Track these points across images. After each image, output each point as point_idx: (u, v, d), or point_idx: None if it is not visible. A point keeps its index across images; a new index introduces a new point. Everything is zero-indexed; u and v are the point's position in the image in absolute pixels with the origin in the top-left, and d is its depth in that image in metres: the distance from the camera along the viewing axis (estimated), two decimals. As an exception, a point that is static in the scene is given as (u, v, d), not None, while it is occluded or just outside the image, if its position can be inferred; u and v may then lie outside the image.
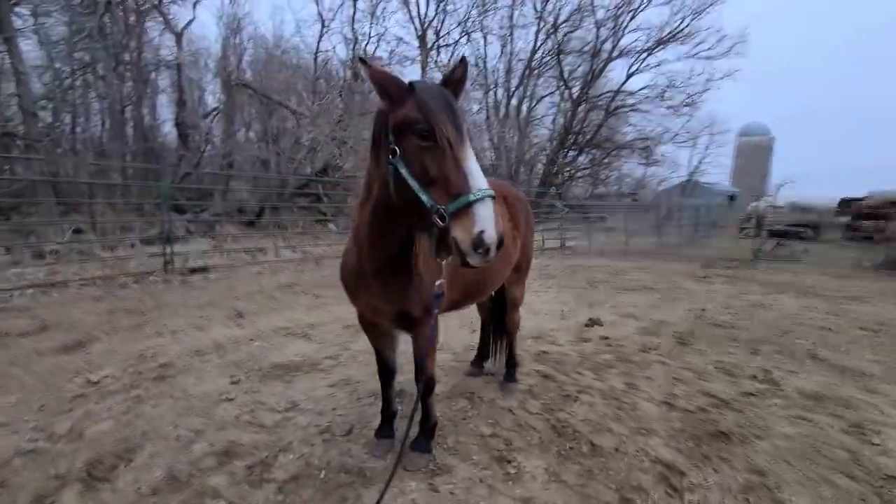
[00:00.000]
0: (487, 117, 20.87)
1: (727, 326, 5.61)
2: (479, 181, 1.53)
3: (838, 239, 20.02)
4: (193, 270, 8.06)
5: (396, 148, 1.65)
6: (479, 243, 1.48)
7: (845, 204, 25.15)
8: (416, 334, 2.37)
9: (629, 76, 21.31)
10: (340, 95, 17.14)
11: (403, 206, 1.70)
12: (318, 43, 19.21)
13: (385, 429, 2.72)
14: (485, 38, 21.62)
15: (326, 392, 3.39)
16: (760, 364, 4.23)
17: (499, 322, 3.60)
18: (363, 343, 4.47)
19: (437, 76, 22.63)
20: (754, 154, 59.69)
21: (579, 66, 21.62)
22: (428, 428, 2.61)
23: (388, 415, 2.74)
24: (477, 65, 21.62)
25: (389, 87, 1.69)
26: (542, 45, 21.37)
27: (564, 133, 21.57)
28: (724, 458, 2.63)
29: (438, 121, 1.57)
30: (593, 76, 20.96)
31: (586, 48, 21.19)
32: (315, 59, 19.16)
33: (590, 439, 2.81)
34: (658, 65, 21.39)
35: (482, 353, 3.84)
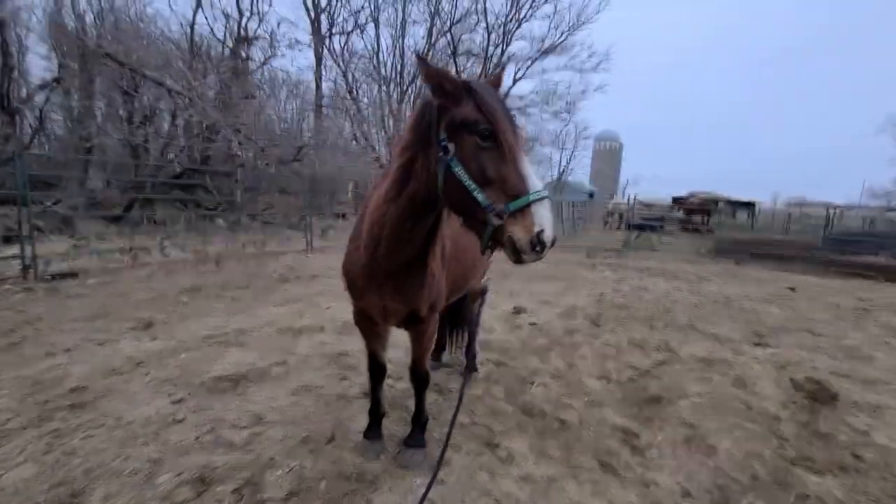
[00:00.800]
0: (383, 113, 20.66)
1: (624, 307, 6.55)
2: (536, 183, 1.57)
3: (677, 231, 24.25)
4: (57, 276, 6.70)
5: (449, 146, 1.64)
6: (537, 242, 1.53)
7: (677, 202, 30.53)
8: (420, 332, 2.40)
9: (515, 81, 23.01)
10: (220, 74, 15.47)
11: (453, 203, 1.72)
12: (194, 16, 17.02)
13: (375, 430, 2.70)
14: (378, 31, 21.35)
15: (289, 401, 3.20)
16: (659, 337, 5.06)
17: (455, 315, 3.75)
18: (307, 346, 4.29)
19: (330, 64, 21.75)
20: (607, 157, 69.00)
21: (472, 65, 22.63)
22: (421, 423, 2.67)
23: (378, 416, 2.72)
24: (371, 59, 21.28)
25: (447, 85, 1.66)
26: (436, 41, 21.88)
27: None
28: (663, 418, 3.16)
29: (501, 123, 1.59)
30: (486, 78, 22.04)
31: (477, 50, 22.26)
32: (191, 33, 16.95)
33: (556, 416, 3.14)
34: (542, 72, 23.40)
35: (439, 346, 3.96)
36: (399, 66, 21.71)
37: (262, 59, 19.07)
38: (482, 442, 2.78)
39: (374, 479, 2.39)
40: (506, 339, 4.77)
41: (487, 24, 21.52)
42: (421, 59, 1.69)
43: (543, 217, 1.54)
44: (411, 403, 2.75)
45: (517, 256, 1.58)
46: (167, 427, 2.78)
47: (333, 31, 21.15)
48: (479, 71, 22.84)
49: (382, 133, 19.56)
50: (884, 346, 5.18)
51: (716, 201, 26.30)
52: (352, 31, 20.93)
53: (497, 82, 1.93)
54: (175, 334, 4.45)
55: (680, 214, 28.44)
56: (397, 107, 20.33)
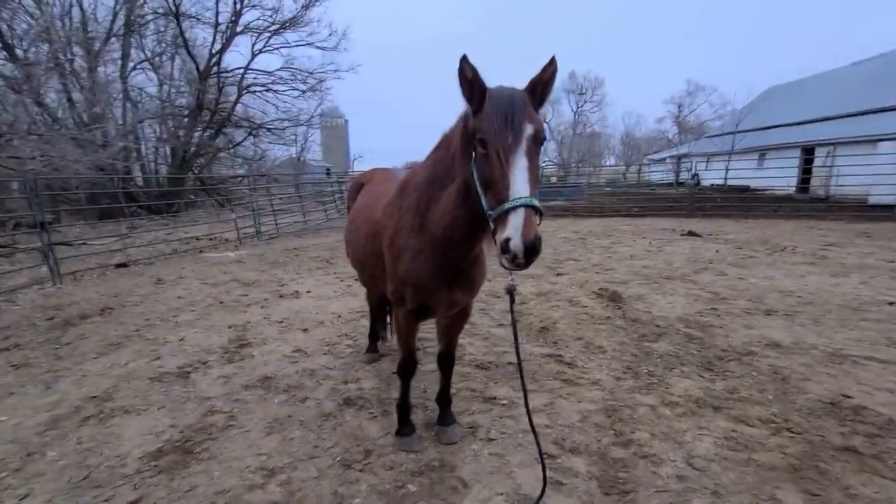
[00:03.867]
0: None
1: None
2: (518, 190, 1.55)
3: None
4: None
5: (473, 153, 1.76)
6: (505, 249, 1.53)
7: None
8: (463, 318, 2.65)
9: (255, 55, 20.85)
10: None
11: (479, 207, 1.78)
12: None
13: (409, 425, 2.79)
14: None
15: (281, 438, 2.81)
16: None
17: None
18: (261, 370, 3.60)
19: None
20: (334, 134, 71.43)
21: (201, 31, 19.32)
22: (448, 402, 2.91)
23: (408, 412, 2.81)
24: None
25: (475, 94, 1.73)
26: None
27: (198, 109, 18.98)
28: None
29: (491, 129, 1.63)
30: (222, 48, 19.20)
31: (208, 14, 19.10)
32: None
33: (507, 361, 3.85)
34: (284, 47, 21.99)
35: (375, 337, 4.04)
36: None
37: None
38: (484, 400, 3.25)
39: (452, 463, 2.55)
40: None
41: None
42: (465, 60, 1.69)
43: (512, 225, 1.51)
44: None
45: (509, 261, 1.56)
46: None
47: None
48: (211, 39, 19.79)
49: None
50: (613, 260, 8.00)
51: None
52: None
53: (549, 78, 1.78)
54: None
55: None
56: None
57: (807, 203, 16.77)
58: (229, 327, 4.93)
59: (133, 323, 5.17)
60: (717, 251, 8.62)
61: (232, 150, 22.87)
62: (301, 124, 25.56)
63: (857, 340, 4.10)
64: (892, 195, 14.01)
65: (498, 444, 2.73)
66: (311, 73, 22.53)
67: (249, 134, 22.36)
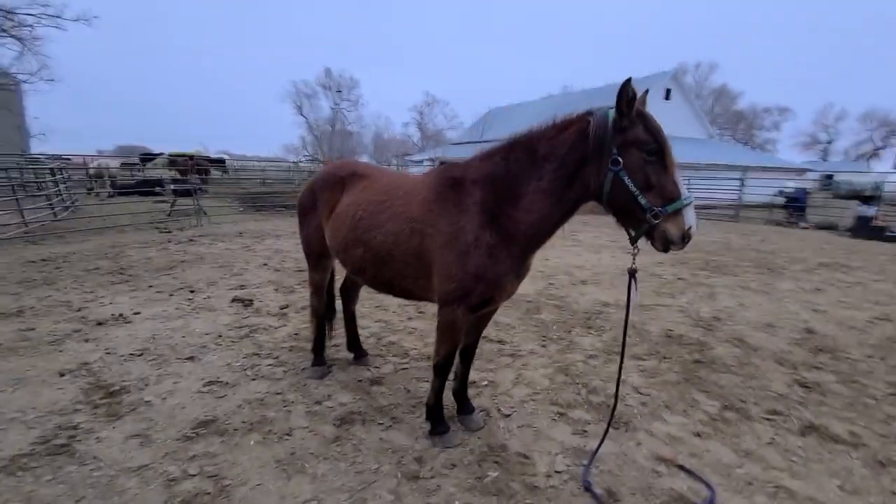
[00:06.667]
0: None
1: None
2: (685, 191, 1.97)
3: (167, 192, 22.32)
4: None
5: (618, 158, 2.03)
6: (687, 235, 1.96)
7: (173, 158, 28.84)
8: (495, 311, 2.79)
9: None
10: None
11: (618, 204, 2.09)
12: None
13: (444, 423, 2.77)
14: None
15: (310, 478, 2.31)
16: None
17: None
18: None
19: None
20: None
21: None
22: (466, 390, 2.99)
23: (442, 408, 2.78)
24: None
25: (631, 111, 2.00)
26: None
27: None
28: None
29: (666, 144, 2.01)
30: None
31: None
32: None
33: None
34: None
35: (322, 348, 3.61)
36: None
37: None
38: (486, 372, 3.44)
39: (502, 456, 2.69)
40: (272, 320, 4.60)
41: None
42: (628, 82, 1.97)
43: (691, 218, 1.97)
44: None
45: (666, 247, 2.01)
46: None
47: None
48: None
49: None
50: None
51: (209, 160, 26.94)
52: None
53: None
54: None
55: (174, 173, 26.90)
56: None
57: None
58: (62, 375, 3.40)
59: None
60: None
61: None
62: None
63: (645, 293, 6.09)
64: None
65: (517, 418, 3.03)
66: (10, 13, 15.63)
67: None
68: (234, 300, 5.41)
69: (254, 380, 3.45)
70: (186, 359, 3.78)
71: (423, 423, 2.87)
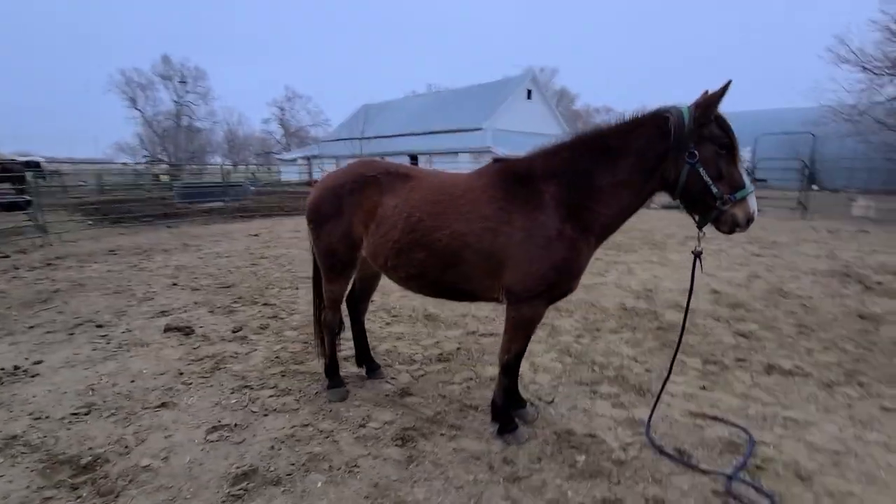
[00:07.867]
0: None
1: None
2: (748, 180, 2.25)
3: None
4: None
5: (695, 152, 2.22)
6: (751, 218, 2.24)
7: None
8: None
9: None
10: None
11: (691, 193, 2.29)
12: None
13: (513, 423, 2.75)
14: None
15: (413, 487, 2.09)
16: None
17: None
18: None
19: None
20: None
21: None
22: (517, 385, 3.00)
23: (510, 406, 2.76)
24: None
25: (712, 113, 2.22)
26: None
27: None
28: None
29: (736, 140, 2.26)
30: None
31: None
32: None
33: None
34: None
35: (336, 368, 3.27)
36: None
37: None
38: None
39: (582, 445, 2.77)
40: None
41: None
42: (727, 86, 2.21)
43: (754, 203, 2.25)
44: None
45: (732, 229, 2.28)
46: None
47: None
48: None
49: None
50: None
51: (25, 163, 21.32)
52: None
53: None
54: None
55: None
56: None
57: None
58: (12, 439, 2.48)
59: None
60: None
61: None
62: None
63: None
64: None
65: (562, 403, 3.16)
66: None
67: None
68: (167, 329, 4.51)
69: (266, 415, 2.97)
70: (158, 406, 3.07)
71: (489, 424, 2.83)
